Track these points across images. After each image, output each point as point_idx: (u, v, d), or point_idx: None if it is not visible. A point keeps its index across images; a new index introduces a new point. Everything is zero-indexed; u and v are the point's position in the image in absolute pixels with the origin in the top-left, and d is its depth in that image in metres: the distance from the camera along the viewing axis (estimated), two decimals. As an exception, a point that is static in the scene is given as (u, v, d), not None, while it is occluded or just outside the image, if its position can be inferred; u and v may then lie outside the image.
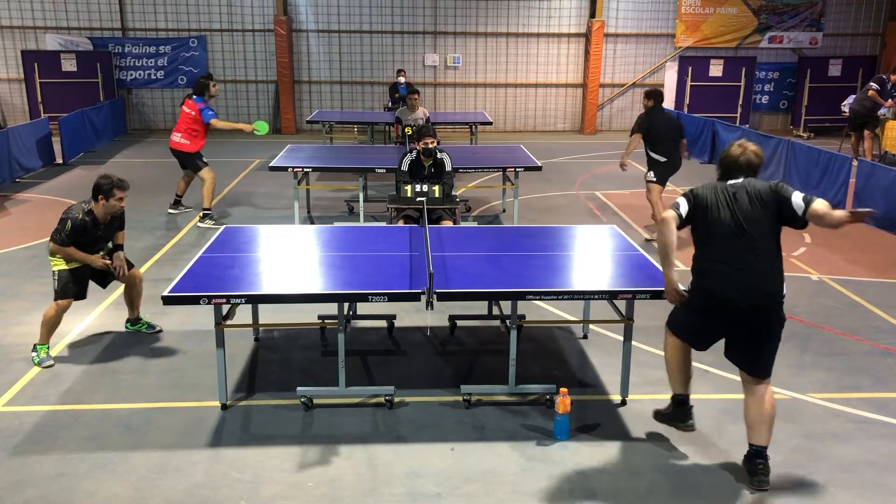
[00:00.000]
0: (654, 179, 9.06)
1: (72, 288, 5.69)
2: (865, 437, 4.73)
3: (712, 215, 4.14)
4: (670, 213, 4.20)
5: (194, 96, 9.72)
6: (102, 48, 17.23)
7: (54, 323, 5.66)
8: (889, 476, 4.32)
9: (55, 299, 5.65)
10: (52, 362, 5.60)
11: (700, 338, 4.42)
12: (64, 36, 17.21)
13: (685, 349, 4.52)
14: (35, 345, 5.65)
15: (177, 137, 9.73)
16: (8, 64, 17.30)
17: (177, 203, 10.22)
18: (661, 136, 8.97)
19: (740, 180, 4.20)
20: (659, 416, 4.78)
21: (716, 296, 4.13)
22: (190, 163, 9.81)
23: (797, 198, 4.11)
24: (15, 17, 17.08)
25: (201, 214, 9.69)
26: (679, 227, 4.22)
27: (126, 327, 6.25)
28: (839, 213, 4.05)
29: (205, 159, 9.85)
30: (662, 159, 9.01)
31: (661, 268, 4.39)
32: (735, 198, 4.14)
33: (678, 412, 4.69)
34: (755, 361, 4.21)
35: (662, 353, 5.83)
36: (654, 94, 9.21)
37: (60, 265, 5.68)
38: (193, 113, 9.60)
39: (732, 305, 4.10)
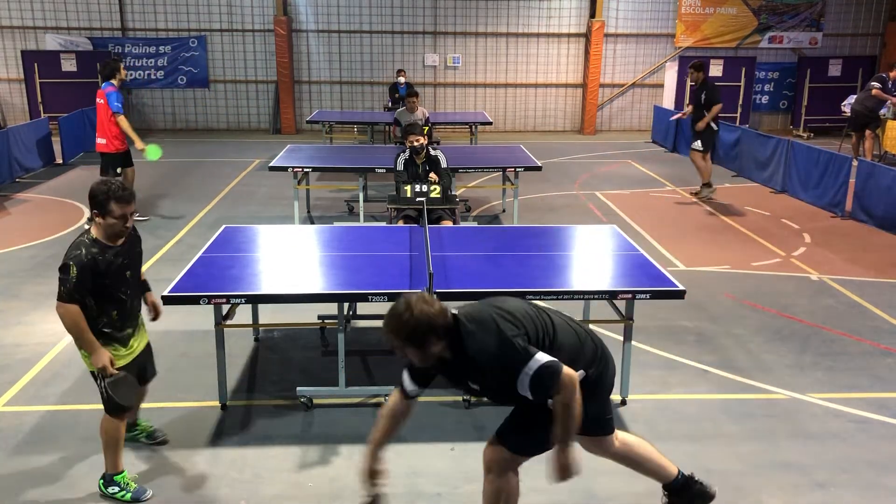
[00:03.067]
0: (703, 148, 10.70)
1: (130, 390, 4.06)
2: (865, 437, 4.73)
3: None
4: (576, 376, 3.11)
5: (103, 83, 8.91)
6: (102, 48, 17.22)
7: (119, 438, 4.10)
8: (889, 476, 4.32)
9: (106, 411, 4.00)
10: (149, 492, 4.11)
11: None
12: (64, 36, 17.21)
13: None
14: (108, 477, 4.08)
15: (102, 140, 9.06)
16: (8, 64, 17.30)
17: None
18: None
19: None
20: None
21: None
22: (114, 166, 9.04)
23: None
24: (15, 17, 17.08)
25: None
26: None
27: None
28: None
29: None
30: (716, 127, 10.77)
31: (569, 426, 3.12)
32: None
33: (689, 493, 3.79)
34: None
35: (661, 354, 5.85)
36: (703, 66, 10.77)
37: (90, 365, 3.96)
38: (103, 102, 8.87)
39: None
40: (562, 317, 3.40)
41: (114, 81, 8.96)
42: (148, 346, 4.34)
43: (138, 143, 8.91)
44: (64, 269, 3.75)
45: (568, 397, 3.03)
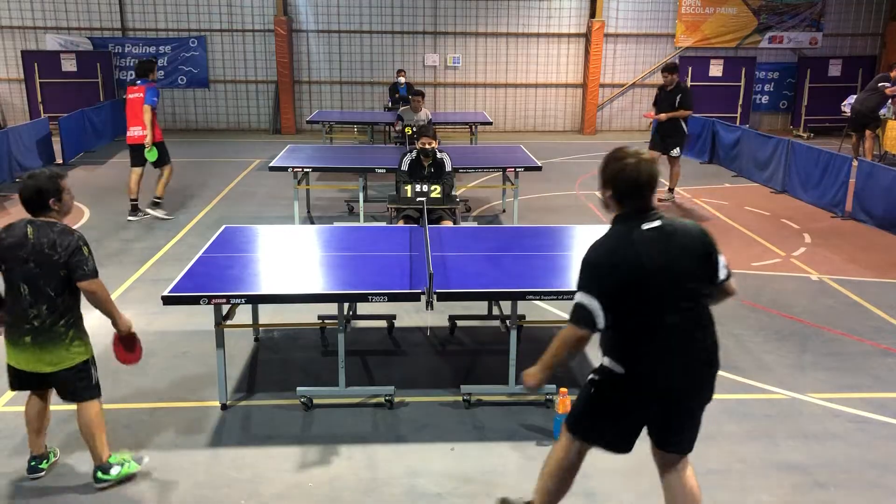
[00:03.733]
0: (680, 153, 10.55)
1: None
2: (865, 437, 4.73)
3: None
4: (582, 333, 3.14)
5: (139, 80, 9.51)
6: (102, 48, 17.23)
7: (103, 419, 4.22)
8: (889, 476, 4.32)
9: (95, 397, 4.16)
10: (146, 458, 4.39)
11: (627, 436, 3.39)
12: (64, 36, 17.21)
13: (578, 460, 3.50)
14: (104, 465, 4.16)
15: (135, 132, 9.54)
16: (8, 64, 17.30)
17: (156, 205, 9.92)
18: None
19: (657, 223, 3.16)
20: None
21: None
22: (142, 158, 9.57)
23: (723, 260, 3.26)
24: (15, 17, 17.08)
25: (131, 207, 9.72)
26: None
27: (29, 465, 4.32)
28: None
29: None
30: (686, 131, 10.63)
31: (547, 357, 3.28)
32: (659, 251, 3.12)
33: None
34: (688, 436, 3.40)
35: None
36: (678, 67, 10.48)
37: (89, 350, 4.14)
38: (141, 96, 9.36)
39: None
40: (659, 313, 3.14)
41: (150, 78, 9.55)
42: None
43: (148, 140, 9.43)
44: (77, 251, 3.88)
45: (560, 338, 3.21)
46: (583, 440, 3.43)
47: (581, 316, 3.10)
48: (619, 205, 3.22)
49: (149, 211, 9.80)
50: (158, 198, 9.88)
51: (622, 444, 3.38)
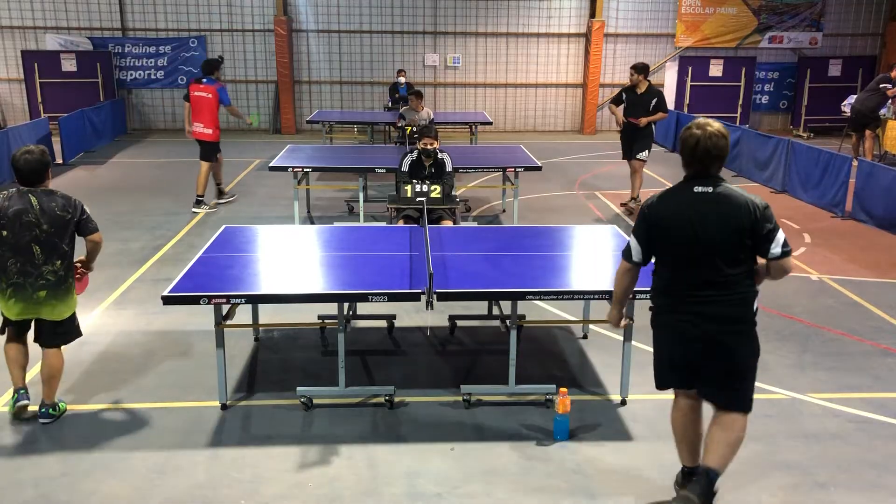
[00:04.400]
0: (647, 158, 10.16)
1: None
2: (865, 437, 4.73)
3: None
4: (625, 265, 3.82)
5: (205, 78, 10.12)
6: (102, 48, 17.23)
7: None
8: (889, 476, 4.32)
9: (65, 344, 4.85)
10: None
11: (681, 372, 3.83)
12: (64, 36, 17.21)
13: (686, 402, 3.90)
14: (55, 403, 4.80)
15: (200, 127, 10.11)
16: (8, 64, 17.30)
17: (221, 192, 10.68)
18: None
19: (710, 189, 3.56)
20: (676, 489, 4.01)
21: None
22: (215, 151, 10.20)
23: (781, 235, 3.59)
24: (15, 17, 17.09)
25: (197, 201, 10.24)
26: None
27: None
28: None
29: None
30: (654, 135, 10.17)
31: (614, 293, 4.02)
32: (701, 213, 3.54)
33: (686, 482, 3.89)
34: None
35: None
36: (648, 68, 10.08)
37: (75, 304, 4.82)
38: (211, 96, 9.94)
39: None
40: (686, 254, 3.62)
41: (216, 77, 10.18)
42: None
43: (247, 119, 10.73)
44: (83, 210, 4.70)
45: (616, 273, 3.96)
46: (660, 388, 3.96)
47: (625, 250, 3.82)
48: (684, 168, 3.67)
49: (217, 201, 10.57)
50: (219, 184, 10.63)
51: (680, 382, 3.86)
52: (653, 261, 3.81)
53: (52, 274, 4.56)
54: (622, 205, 10.62)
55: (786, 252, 3.58)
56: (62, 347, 4.81)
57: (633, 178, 10.26)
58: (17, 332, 4.78)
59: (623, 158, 10.37)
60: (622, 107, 10.09)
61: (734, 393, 3.69)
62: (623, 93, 10.13)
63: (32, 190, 4.58)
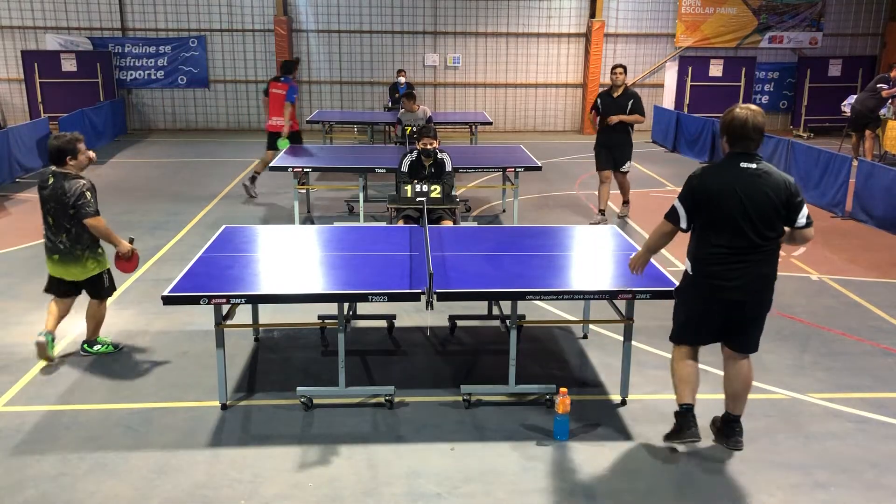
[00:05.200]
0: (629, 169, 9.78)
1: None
2: (865, 437, 4.73)
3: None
4: (668, 226, 4.29)
5: (282, 77, 10.88)
6: (102, 48, 17.23)
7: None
8: (889, 476, 4.32)
9: (106, 297, 5.79)
10: (122, 345, 5.91)
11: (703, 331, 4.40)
12: (64, 36, 17.21)
13: (692, 356, 4.44)
14: (91, 341, 5.79)
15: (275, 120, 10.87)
16: (8, 64, 17.31)
17: (253, 180, 11.15)
18: None
19: (754, 165, 4.06)
20: (667, 437, 4.51)
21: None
22: (293, 142, 10.75)
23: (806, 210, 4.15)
24: (15, 17, 17.09)
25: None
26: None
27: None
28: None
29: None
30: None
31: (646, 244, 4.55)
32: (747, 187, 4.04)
33: (683, 421, 4.38)
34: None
35: (661, 353, 5.85)
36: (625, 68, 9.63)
37: (105, 263, 5.68)
38: (283, 93, 10.64)
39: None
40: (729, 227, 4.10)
41: (292, 76, 10.93)
42: None
43: (285, 131, 10.68)
44: (81, 195, 5.26)
45: (655, 228, 4.40)
46: (677, 343, 4.45)
47: (670, 213, 4.24)
48: (730, 146, 4.13)
49: (245, 183, 11.12)
50: (257, 174, 11.10)
51: (706, 339, 4.39)
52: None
53: (62, 244, 5.42)
54: (621, 216, 10.09)
55: (809, 223, 4.13)
56: (104, 300, 5.74)
57: (621, 189, 9.84)
58: (57, 288, 5.62)
59: (598, 170, 9.68)
60: (599, 117, 9.57)
61: (754, 339, 4.34)
62: (598, 99, 9.61)
63: (55, 171, 5.38)
